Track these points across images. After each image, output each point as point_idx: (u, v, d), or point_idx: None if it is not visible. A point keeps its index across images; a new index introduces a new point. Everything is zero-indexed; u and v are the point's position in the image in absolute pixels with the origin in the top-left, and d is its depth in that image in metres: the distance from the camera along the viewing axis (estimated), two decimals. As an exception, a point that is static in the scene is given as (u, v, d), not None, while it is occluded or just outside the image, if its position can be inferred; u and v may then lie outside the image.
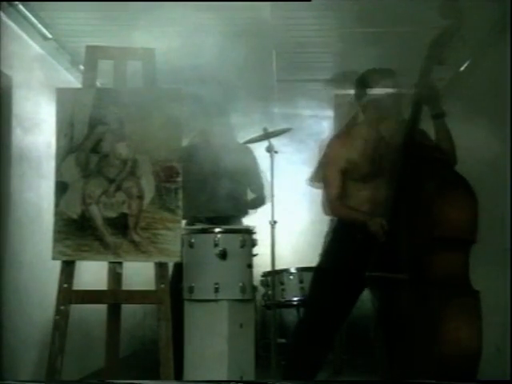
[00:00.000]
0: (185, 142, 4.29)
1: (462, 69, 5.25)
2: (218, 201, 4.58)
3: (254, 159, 4.77)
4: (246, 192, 4.81)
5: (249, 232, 4.14)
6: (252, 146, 4.75)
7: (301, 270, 4.87)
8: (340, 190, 3.56)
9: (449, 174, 3.26)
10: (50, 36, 4.56)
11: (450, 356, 2.99)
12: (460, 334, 3.01)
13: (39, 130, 4.39)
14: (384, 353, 3.27)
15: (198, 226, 4.21)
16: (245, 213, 4.80)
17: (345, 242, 3.56)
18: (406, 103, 3.43)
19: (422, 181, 3.22)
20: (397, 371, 3.15)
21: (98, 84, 3.80)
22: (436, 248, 3.12)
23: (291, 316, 5.20)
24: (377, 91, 3.53)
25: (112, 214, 3.47)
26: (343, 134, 3.71)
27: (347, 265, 3.46)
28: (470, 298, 3.09)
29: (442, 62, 3.26)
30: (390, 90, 3.51)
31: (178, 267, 4.18)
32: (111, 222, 3.46)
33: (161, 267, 3.47)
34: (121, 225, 3.46)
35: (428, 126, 3.43)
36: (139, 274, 4.03)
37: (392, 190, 3.28)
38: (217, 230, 4.04)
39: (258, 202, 4.78)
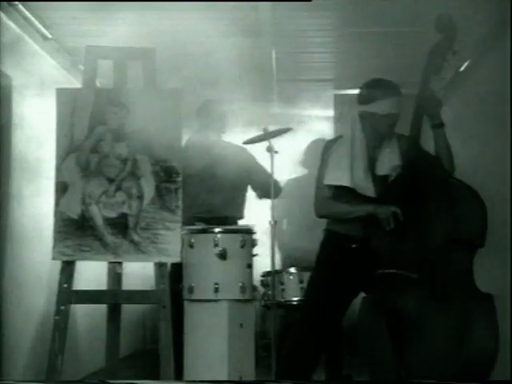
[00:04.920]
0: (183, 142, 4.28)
1: (462, 69, 5.25)
2: (214, 201, 4.57)
3: (251, 157, 4.74)
4: (245, 192, 4.80)
5: (249, 232, 4.14)
6: (252, 146, 4.74)
7: (301, 270, 4.86)
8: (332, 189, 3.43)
9: (458, 180, 3.30)
10: (49, 36, 4.56)
11: (474, 356, 3.03)
12: (483, 335, 3.06)
13: (39, 130, 4.39)
14: (393, 353, 3.26)
15: (198, 226, 4.21)
16: (242, 213, 4.79)
17: (334, 254, 3.53)
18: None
19: (431, 186, 3.24)
20: (409, 371, 3.15)
21: (98, 84, 3.80)
22: (450, 250, 3.15)
23: (291, 316, 5.19)
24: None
25: (112, 214, 3.47)
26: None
27: (339, 274, 3.44)
28: (486, 301, 3.14)
29: (438, 73, 3.30)
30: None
31: (176, 267, 4.17)
32: (111, 222, 3.46)
33: (161, 267, 3.47)
34: (121, 225, 3.46)
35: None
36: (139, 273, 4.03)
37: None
38: (217, 230, 4.03)
39: (276, 190, 4.60)
